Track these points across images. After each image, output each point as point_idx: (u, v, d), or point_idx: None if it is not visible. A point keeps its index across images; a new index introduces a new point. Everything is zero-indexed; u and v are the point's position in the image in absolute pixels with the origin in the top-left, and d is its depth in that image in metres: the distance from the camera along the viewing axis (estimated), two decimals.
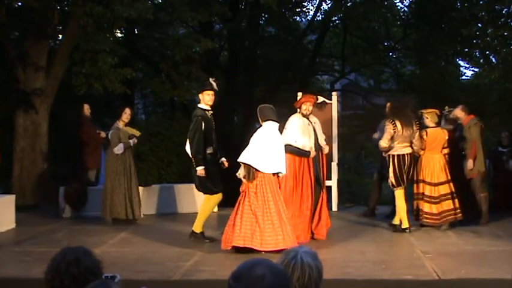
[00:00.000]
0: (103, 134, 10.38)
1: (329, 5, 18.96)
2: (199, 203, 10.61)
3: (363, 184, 17.05)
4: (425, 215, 8.63)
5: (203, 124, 7.75)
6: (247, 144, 7.26)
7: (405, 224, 8.42)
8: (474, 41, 15.91)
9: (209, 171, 7.75)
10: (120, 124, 9.49)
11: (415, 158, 8.63)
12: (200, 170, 7.70)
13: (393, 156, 8.42)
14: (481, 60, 17.62)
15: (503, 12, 14.11)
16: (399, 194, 8.45)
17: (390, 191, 9.26)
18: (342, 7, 17.72)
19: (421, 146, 8.61)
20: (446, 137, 8.87)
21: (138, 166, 9.97)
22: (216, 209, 10.61)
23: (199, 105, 8.00)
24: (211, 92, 7.91)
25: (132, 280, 5.68)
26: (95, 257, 2.69)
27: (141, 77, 18.67)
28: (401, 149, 8.42)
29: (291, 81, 18.48)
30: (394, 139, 8.37)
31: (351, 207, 11.42)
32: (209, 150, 7.79)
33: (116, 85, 12.19)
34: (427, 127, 8.77)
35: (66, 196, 10.41)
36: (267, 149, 7.14)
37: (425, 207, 8.61)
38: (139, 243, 8.03)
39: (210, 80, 8.15)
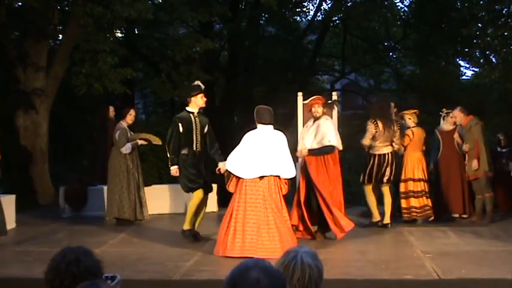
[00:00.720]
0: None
1: (329, 5, 18.98)
2: None
3: None
4: (414, 209, 9.05)
5: (180, 126, 7.88)
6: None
7: (376, 218, 8.79)
8: (474, 41, 15.90)
9: (184, 172, 7.82)
10: (125, 124, 9.47)
11: (396, 157, 8.95)
12: (172, 170, 7.89)
13: (374, 155, 8.76)
14: (481, 60, 17.61)
15: (503, 12, 14.10)
16: (368, 189, 8.85)
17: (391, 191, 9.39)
18: (342, 7, 17.72)
19: (402, 144, 8.98)
20: (424, 136, 9.31)
21: None
22: (216, 209, 10.67)
23: (186, 108, 8.07)
24: (203, 94, 8.05)
25: (132, 280, 5.68)
26: (95, 257, 2.69)
27: (141, 77, 18.68)
28: (382, 148, 8.73)
29: (291, 81, 18.48)
30: (375, 138, 8.69)
31: (351, 207, 11.41)
32: (184, 151, 7.85)
33: (116, 85, 12.19)
34: (409, 127, 9.18)
35: (66, 196, 10.41)
36: (250, 153, 7.04)
37: (413, 202, 9.04)
38: (140, 243, 8.03)
39: (197, 82, 8.25)
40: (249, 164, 7.03)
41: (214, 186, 10.92)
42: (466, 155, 9.18)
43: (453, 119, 9.40)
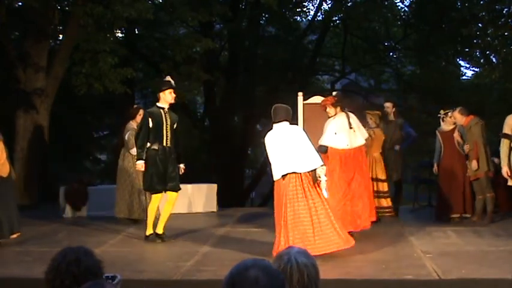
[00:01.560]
0: None
1: (329, 5, 18.96)
2: (199, 203, 10.66)
3: None
4: (381, 210, 8.96)
5: (150, 120, 7.88)
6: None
7: None
8: (474, 41, 15.89)
9: (151, 168, 7.82)
10: (134, 125, 9.46)
11: None
12: (138, 164, 7.89)
13: None
14: (482, 60, 17.61)
15: (504, 12, 14.10)
16: None
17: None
18: (342, 7, 17.70)
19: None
20: (383, 138, 9.28)
21: None
22: (215, 209, 10.67)
23: (157, 104, 8.06)
24: (172, 90, 8.00)
25: (132, 280, 5.68)
26: (96, 257, 2.69)
27: (142, 77, 18.67)
28: None
29: (291, 81, 18.45)
30: None
31: None
32: (154, 146, 7.85)
33: (116, 85, 12.19)
34: (370, 127, 9.10)
35: (67, 196, 10.41)
36: (273, 155, 6.90)
37: (382, 202, 8.96)
38: (139, 243, 8.02)
39: (168, 77, 8.23)
40: (275, 166, 6.87)
41: (214, 186, 10.97)
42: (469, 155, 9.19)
43: (452, 119, 9.39)
